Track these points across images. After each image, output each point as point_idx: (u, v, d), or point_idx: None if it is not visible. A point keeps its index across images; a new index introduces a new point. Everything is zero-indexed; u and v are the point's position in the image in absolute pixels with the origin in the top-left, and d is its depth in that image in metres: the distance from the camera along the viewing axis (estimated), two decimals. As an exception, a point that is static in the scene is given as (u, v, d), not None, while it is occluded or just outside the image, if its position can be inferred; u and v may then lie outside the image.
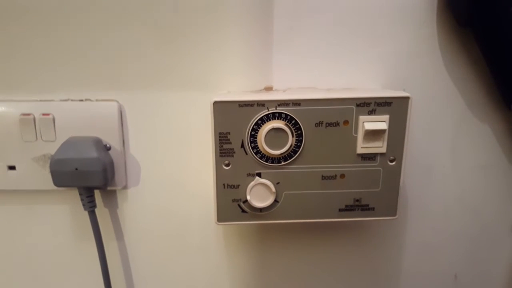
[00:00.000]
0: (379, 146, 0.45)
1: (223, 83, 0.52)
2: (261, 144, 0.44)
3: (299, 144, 0.45)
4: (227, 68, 0.51)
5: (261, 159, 0.45)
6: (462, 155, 0.56)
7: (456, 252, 0.60)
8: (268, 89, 0.52)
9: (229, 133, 0.45)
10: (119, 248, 0.57)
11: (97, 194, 0.55)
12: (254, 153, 0.45)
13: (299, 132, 0.45)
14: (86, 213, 0.52)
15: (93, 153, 0.49)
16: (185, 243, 0.57)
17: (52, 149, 0.50)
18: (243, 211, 0.47)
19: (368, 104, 0.44)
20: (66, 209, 0.56)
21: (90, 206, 0.52)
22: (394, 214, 0.48)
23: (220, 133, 0.45)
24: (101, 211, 0.55)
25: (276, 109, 0.44)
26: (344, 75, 0.52)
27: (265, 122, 0.44)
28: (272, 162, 0.46)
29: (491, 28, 0.47)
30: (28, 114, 0.51)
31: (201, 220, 0.56)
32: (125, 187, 0.55)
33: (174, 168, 0.54)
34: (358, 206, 0.48)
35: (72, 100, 0.52)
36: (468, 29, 0.50)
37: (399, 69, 0.52)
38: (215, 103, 0.43)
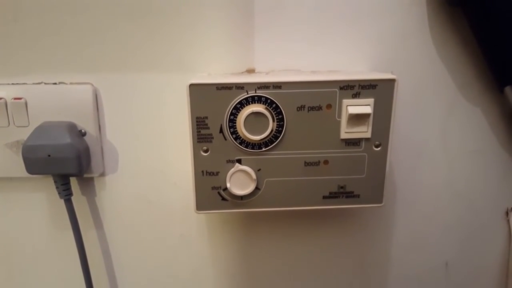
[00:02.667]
0: (364, 131, 0.43)
1: (203, 65, 0.50)
2: (240, 129, 0.42)
3: (280, 129, 0.43)
4: (207, 49, 0.49)
5: (241, 145, 0.43)
6: (453, 140, 0.54)
7: (447, 239, 0.59)
8: (250, 71, 0.50)
9: (206, 117, 0.43)
10: (98, 236, 0.56)
11: (73, 181, 0.53)
12: (234, 138, 0.43)
13: (280, 116, 0.43)
14: (63, 201, 0.50)
15: (66, 139, 0.47)
16: (166, 231, 0.56)
17: (25, 134, 0.48)
18: (223, 199, 0.46)
19: (352, 87, 0.42)
20: (43, 197, 0.54)
21: (65, 194, 0.50)
22: (380, 201, 0.47)
23: (197, 118, 0.43)
24: (78, 199, 0.54)
25: (255, 93, 0.42)
26: (330, 57, 0.50)
27: (244, 106, 0.42)
28: (253, 148, 0.44)
29: (482, 7, 0.45)
30: (-1, 98, 0.48)
31: (183, 207, 0.55)
32: (102, 174, 0.53)
33: (154, 154, 0.53)
34: (342, 193, 0.46)
35: (45, 83, 0.50)
36: (459, 8, 0.48)
37: (387, 50, 0.50)
38: (191, 85, 0.41)
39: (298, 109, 0.43)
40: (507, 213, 0.57)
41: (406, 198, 0.57)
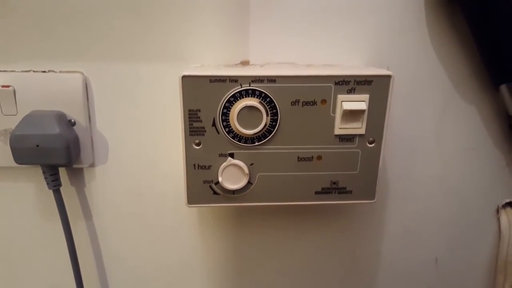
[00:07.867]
0: (358, 127, 0.43)
1: (197, 56, 0.49)
2: (233, 123, 0.42)
3: (274, 123, 0.42)
4: (201, 40, 0.48)
5: (233, 139, 0.43)
6: (447, 137, 0.54)
7: (437, 236, 0.60)
8: (245, 63, 0.49)
9: (199, 110, 0.42)
10: (88, 227, 0.55)
11: (63, 172, 0.52)
12: (226, 132, 0.43)
13: (274, 111, 0.42)
14: (52, 192, 0.49)
15: (55, 129, 0.46)
16: (157, 223, 0.55)
17: (13, 123, 0.47)
18: (215, 193, 0.45)
19: (347, 83, 0.41)
20: (31, 187, 0.53)
21: (54, 184, 0.49)
22: (372, 197, 0.47)
23: (189, 110, 0.42)
24: (67, 190, 0.53)
25: (250, 86, 0.41)
26: (325, 50, 0.49)
27: (238, 100, 0.41)
28: (246, 142, 0.43)
29: (480, 4, 0.44)
30: (-13, 86, 0.47)
31: (174, 200, 0.54)
32: (92, 165, 0.52)
33: (145, 146, 0.52)
34: (335, 189, 0.46)
35: (34, 71, 0.48)
36: (456, 5, 0.47)
37: (384, 45, 0.49)
38: (184, 77, 0.40)
39: (293, 103, 0.42)
40: (497, 211, 0.58)
41: (398, 194, 0.56)
